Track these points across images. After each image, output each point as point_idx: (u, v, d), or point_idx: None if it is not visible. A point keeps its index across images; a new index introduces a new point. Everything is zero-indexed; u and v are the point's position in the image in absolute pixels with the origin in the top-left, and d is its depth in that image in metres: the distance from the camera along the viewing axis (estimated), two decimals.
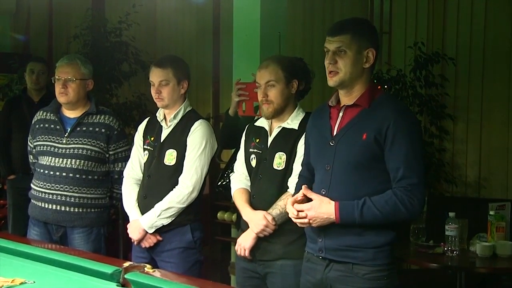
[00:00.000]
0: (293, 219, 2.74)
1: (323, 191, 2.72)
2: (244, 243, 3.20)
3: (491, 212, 4.27)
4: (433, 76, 5.86)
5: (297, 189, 2.87)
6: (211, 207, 5.36)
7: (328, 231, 2.69)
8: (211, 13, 6.89)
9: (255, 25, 4.79)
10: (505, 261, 4.08)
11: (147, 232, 3.50)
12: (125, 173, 3.72)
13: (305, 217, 2.68)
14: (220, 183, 3.89)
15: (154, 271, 2.41)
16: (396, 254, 2.77)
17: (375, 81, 5.79)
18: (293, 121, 3.19)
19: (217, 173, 5.01)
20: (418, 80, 5.85)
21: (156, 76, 3.53)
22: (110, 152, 3.88)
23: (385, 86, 5.82)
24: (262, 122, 3.33)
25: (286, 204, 2.85)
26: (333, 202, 2.64)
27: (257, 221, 3.14)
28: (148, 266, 2.44)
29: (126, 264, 2.44)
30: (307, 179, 2.90)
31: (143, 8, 7.35)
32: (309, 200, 2.72)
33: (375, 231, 2.66)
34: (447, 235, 4.08)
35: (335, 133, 2.75)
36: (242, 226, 3.31)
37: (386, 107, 2.68)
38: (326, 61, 2.71)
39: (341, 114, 2.76)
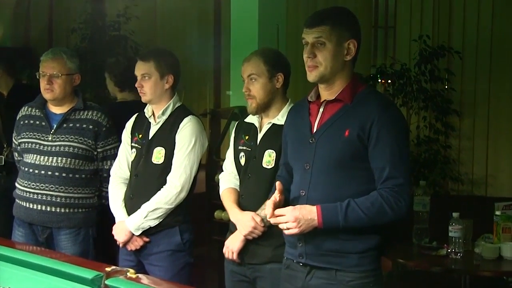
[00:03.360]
0: (273, 223, 2.59)
1: (302, 192, 2.59)
2: (232, 246, 3.11)
3: (497, 212, 4.13)
4: (438, 70, 5.81)
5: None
6: (208, 206, 5.25)
7: (309, 235, 2.55)
8: (212, 6, 6.85)
9: (252, 17, 4.76)
10: (511, 263, 3.94)
11: (133, 234, 3.40)
12: (112, 172, 3.62)
13: (289, 221, 2.51)
14: None
15: (137, 276, 2.31)
16: (381, 260, 2.68)
17: (378, 75, 5.77)
18: (283, 117, 3.06)
19: (214, 171, 4.95)
20: (423, 74, 5.81)
21: (138, 69, 3.44)
22: (99, 150, 3.76)
23: (389, 81, 5.80)
24: (252, 119, 3.23)
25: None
26: (314, 206, 2.50)
27: (245, 223, 3.05)
28: (131, 271, 2.34)
29: (109, 268, 2.33)
30: (285, 180, 2.76)
31: (142, 1, 7.29)
32: (286, 200, 2.61)
33: (359, 235, 2.54)
34: (451, 237, 3.97)
35: (315, 130, 2.61)
36: (230, 227, 3.21)
37: (370, 102, 2.56)
38: (305, 55, 2.58)
39: (321, 109, 2.63)
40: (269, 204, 2.59)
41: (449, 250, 3.97)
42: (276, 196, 2.58)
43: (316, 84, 2.64)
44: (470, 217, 4.18)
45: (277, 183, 2.60)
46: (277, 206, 2.57)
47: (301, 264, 2.63)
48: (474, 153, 6.03)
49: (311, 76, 2.57)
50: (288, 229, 2.53)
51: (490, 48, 5.91)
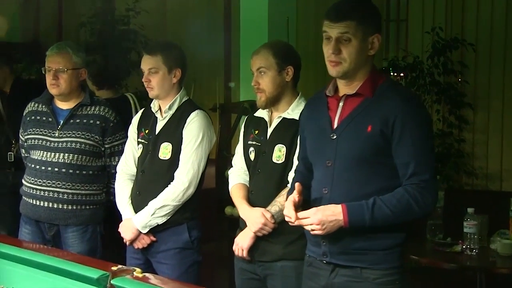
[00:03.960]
0: (297, 224, 2.51)
1: (325, 190, 2.51)
2: (241, 243, 3.05)
3: None
4: (451, 62, 5.76)
5: (294, 185, 2.63)
6: (218, 201, 5.21)
7: (332, 234, 2.47)
8: None
9: (262, 10, 4.74)
10: None
11: (140, 232, 3.34)
12: (118, 168, 3.56)
13: (313, 223, 2.44)
14: None
15: (144, 275, 2.30)
16: (406, 257, 2.60)
17: (390, 68, 5.72)
18: (294, 111, 3.01)
19: (224, 167, 4.90)
20: (436, 67, 5.75)
21: (145, 63, 3.37)
22: (106, 146, 3.71)
23: (401, 74, 5.74)
24: (261, 113, 3.16)
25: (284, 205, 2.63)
26: (338, 205, 2.43)
27: (254, 219, 2.98)
28: (137, 270, 2.32)
29: (115, 268, 2.32)
30: (304, 174, 2.69)
31: None
32: (305, 199, 2.54)
33: (384, 232, 2.47)
34: (466, 233, 3.93)
35: (335, 125, 2.53)
36: (240, 224, 3.15)
37: (392, 96, 2.48)
38: (328, 50, 2.48)
39: (341, 104, 2.54)
40: (289, 206, 2.51)
41: (464, 247, 3.93)
42: (295, 196, 2.51)
43: (333, 77, 2.57)
44: (485, 212, 4.14)
45: (297, 184, 2.53)
46: (296, 206, 2.51)
47: (324, 262, 2.56)
48: (488, 146, 5.97)
49: (334, 71, 2.49)
50: (313, 230, 2.47)
51: (505, 40, 5.84)
